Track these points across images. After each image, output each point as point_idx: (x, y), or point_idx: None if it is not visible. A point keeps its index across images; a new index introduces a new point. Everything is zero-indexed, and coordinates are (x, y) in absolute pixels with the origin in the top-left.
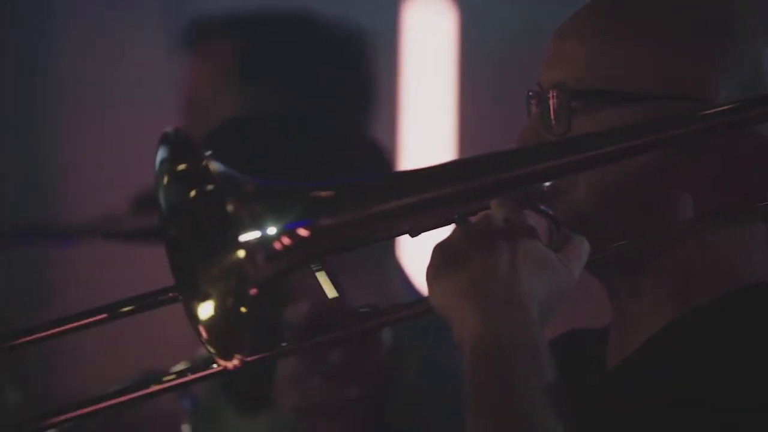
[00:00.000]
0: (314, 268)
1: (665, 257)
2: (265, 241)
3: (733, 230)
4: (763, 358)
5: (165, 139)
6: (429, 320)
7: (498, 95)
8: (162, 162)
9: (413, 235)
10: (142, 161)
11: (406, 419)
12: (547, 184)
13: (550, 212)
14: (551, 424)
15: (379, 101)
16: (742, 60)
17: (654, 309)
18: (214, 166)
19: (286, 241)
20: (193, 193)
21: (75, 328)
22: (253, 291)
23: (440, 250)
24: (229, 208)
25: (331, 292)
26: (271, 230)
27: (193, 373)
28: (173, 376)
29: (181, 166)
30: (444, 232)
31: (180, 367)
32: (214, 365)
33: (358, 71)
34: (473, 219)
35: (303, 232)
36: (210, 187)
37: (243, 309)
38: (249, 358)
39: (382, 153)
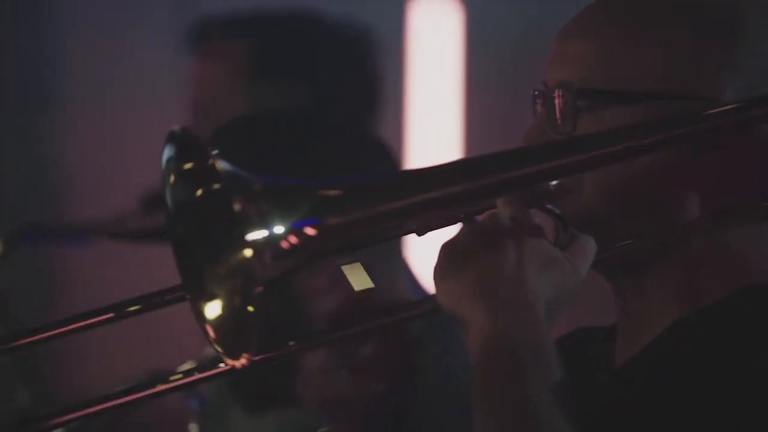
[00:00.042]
0: (349, 260)
1: (672, 256)
2: (272, 240)
3: (739, 229)
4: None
5: (172, 138)
6: (437, 319)
7: (504, 94)
8: (168, 161)
9: (420, 234)
10: (149, 161)
11: (423, 416)
12: (554, 183)
13: (557, 211)
14: (558, 423)
15: (385, 101)
16: (747, 59)
17: (660, 308)
18: (221, 164)
19: (293, 239)
20: (199, 192)
21: (82, 327)
22: (260, 290)
23: (447, 249)
24: (236, 206)
25: (366, 283)
26: (279, 229)
27: (200, 372)
28: (180, 376)
29: (188, 165)
30: (451, 231)
31: (187, 366)
32: (222, 364)
33: (365, 71)
34: (480, 218)
35: (310, 230)
36: (217, 185)
37: (250, 308)
38: (256, 358)
39: (389, 152)
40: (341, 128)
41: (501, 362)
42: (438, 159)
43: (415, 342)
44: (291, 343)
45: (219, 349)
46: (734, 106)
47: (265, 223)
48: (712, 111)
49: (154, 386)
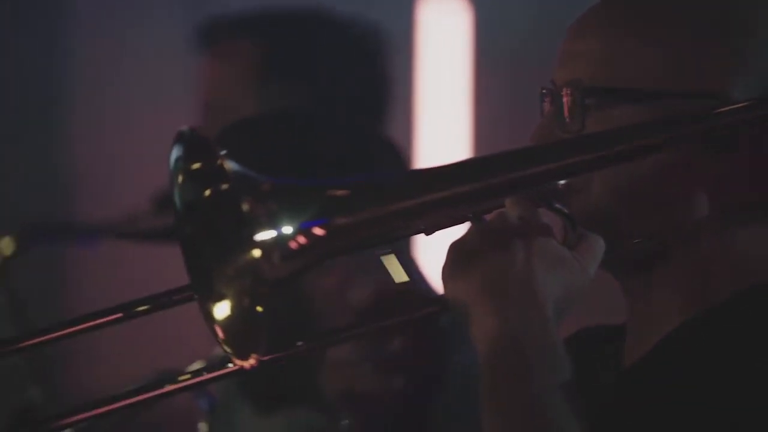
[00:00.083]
0: (384, 252)
1: (680, 256)
2: (280, 241)
3: (748, 229)
4: None
5: (180, 138)
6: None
7: (513, 94)
8: (177, 161)
9: (428, 233)
10: (159, 161)
11: (447, 413)
12: (562, 182)
13: (565, 210)
14: (566, 422)
15: (394, 100)
16: (757, 57)
17: (668, 308)
18: (229, 165)
19: (301, 240)
20: (208, 193)
21: (91, 327)
22: (269, 290)
23: (455, 248)
24: (245, 207)
25: (400, 276)
26: (287, 229)
27: (209, 372)
28: (189, 376)
29: (196, 165)
30: (459, 231)
31: (196, 366)
32: (230, 365)
33: (374, 71)
34: (488, 217)
35: (318, 231)
36: (225, 186)
37: (259, 308)
38: (265, 358)
39: (398, 151)
40: (350, 128)
41: (509, 361)
42: (447, 158)
43: (442, 338)
44: (299, 343)
45: (228, 350)
46: (743, 104)
47: (273, 224)
48: (721, 109)
49: (162, 386)
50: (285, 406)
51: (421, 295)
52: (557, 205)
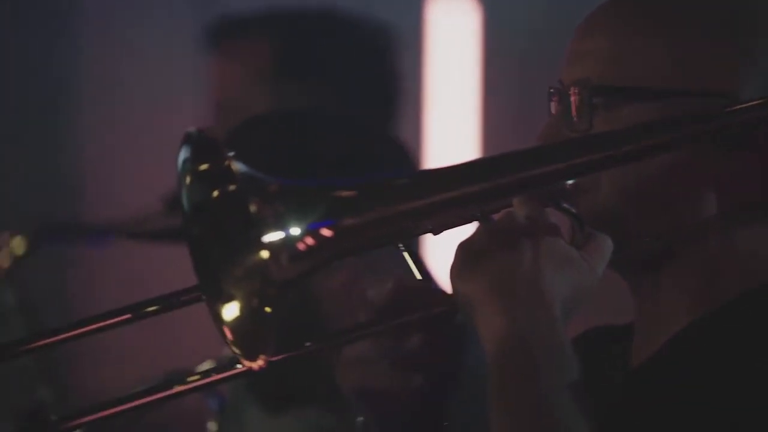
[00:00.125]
0: (400, 248)
1: (689, 255)
2: (288, 242)
3: (757, 228)
4: None
5: (188, 140)
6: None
7: (521, 92)
8: (185, 162)
9: (436, 233)
10: (169, 161)
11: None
12: (570, 181)
13: (573, 210)
14: (574, 422)
15: (403, 99)
16: (766, 56)
17: (676, 307)
18: (237, 166)
19: (309, 241)
20: (215, 194)
21: (100, 328)
22: (277, 291)
23: (463, 248)
24: (252, 208)
25: (415, 274)
26: (295, 230)
27: (217, 373)
28: (198, 377)
29: (204, 167)
30: (467, 230)
31: (205, 366)
32: (239, 365)
33: (383, 69)
34: (496, 217)
35: (326, 232)
36: (233, 187)
37: (267, 309)
38: (274, 358)
39: (407, 150)
40: (359, 127)
41: (517, 361)
42: (456, 156)
43: (457, 336)
44: (308, 343)
45: (236, 351)
46: (753, 103)
47: (281, 225)
48: (730, 108)
49: (172, 387)
50: (294, 405)
51: (436, 293)
52: (565, 205)
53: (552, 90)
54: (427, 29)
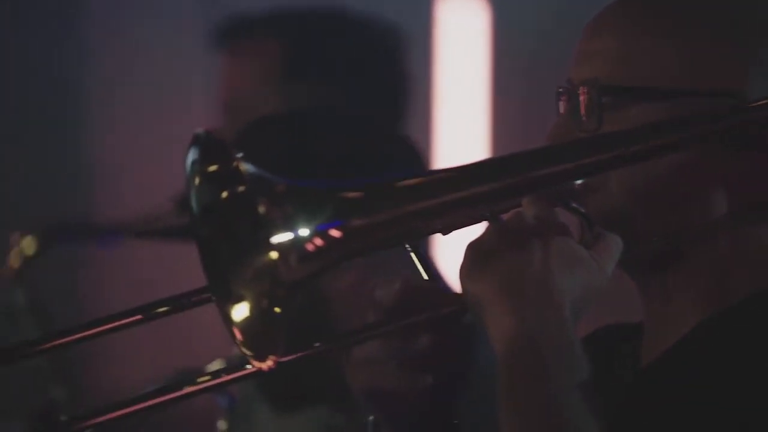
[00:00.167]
0: (407, 249)
1: (698, 255)
2: (297, 243)
3: (765, 228)
4: None
5: (196, 141)
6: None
7: (530, 93)
8: (193, 164)
9: (445, 233)
10: (179, 161)
11: (472, 412)
12: (579, 181)
13: (582, 210)
14: (584, 422)
15: (413, 99)
16: None
17: (685, 307)
18: (245, 167)
19: (318, 242)
20: (224, 195)
21: (111, 329)
22: (286, 292)
23: (473, 248)
24: (261, 209)
25: (422, 274)
26: (303, 231)
27: (227, 373)
28: (208, 377)
29: (212, 168)
30: (476, 230)
31: (215, 365)
32: (249, 366)
33: (393, 70)
34: (505, 217)
35: (335, 233)
36: (241, 188)
37: (277, 310)
38: (283, 359)
39: (416, 151)
40: (369, 127)
41: (526, 361)
42: (465, 156)
43: (466, 336)
44: (317, 344)
45: (246, 352)
46: (760, 103)
47: (289, 226)
48: (739, 108)
49: (182, 388)
50: (304, 405)
51: (444, 293)
52: (574, 205)
53: (561, 90)
54: (436, 29)
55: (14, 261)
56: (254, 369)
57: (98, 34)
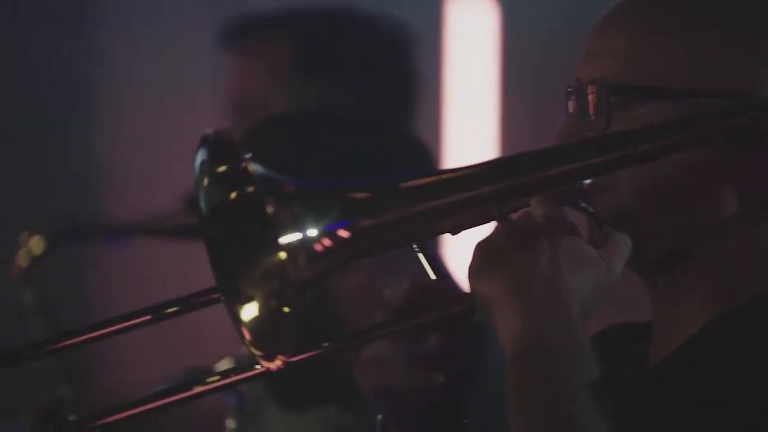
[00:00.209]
0: (414, 249)
1: (706, 254)
2: (305, 243)
3: None
4: None
5: (205, 142)
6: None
7: (540, 92)
8: (202, 164)
9: (454, 233)
10: (188, 161)
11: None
12: (588, 181)
13: (591, 209)
14: (592, 422)
15: (422, 98)
16: None
17: (694, 307)
18: (254, 167)
19: (326, 242)
20: (233, 195)
21: (120, 330)
22: (295, 292)
23: (481, 248)
24: (269, 209)
25: (430, 274)
26: (312, 232)
27: (236, 373)
28: (217, 377)
29: (221, 168)
30: (485, 230)
31: (224, 364)
32: (258, 366)
33: (402, 69)
34: (514, 216)
35: (343, 233)
36: (250, 188)
37: (286, 310)
38: (292, 359)
39: (426, 150)
40: (378, 126)
41: (534, 361)
42: (475, 155)
43: (475, 335)
44: (326, 344)
45: (255, 352)
46: None
47: (298, 226)
48: (748, 107)
49: (191, 388)
50: (313, 404)
51: (453, 292)
52: (583, 204)
53: (569, 89)
54: (446, 28)
55: (22, 261)
56: (263, 369)
57: (107, 34)
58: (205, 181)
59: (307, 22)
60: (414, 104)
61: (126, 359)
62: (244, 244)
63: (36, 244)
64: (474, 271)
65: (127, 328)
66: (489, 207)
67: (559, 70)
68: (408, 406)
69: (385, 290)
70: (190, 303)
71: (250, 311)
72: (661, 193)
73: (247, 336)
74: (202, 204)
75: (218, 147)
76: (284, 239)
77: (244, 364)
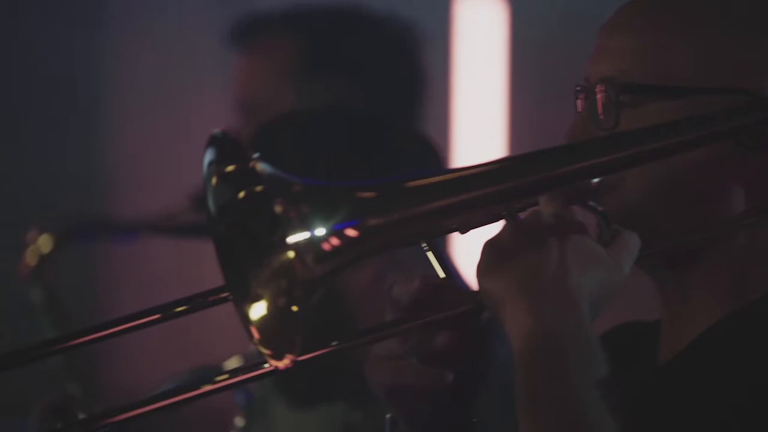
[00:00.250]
0: (423, 248)
1: (716, 252)
2: (314, 242)
3: None
4: None
5: (213, 141)
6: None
7: (548, 90)
8: (210, 164)
9: (463, 231)
10: (195, 159)
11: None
12: (596, 179)
13: (599, 208)
14: (602, 419)
15: (430, 96)
16: None
17: (704, 305)
18: (262, 167)
19: (334, 241)
20: (241, 195)
21: (129, 329)
22: (303, 291)
23: (490, 246)
24: (277, 209)
25: (439, 272)
26: (320, 231)
27: (245, 372)
28: (225, 376)
29: (229, 168)
30: (493, 229)
31: (233, 362)
32: (266, 364)
33: (410, 66)
34: (522, 215)
35: (351, 232)
36: (258, 188)
37: (294, 309)
38: (300, 358)
39: (434, 149)
40: (386, 125)
41: (543, 359)
42: (483, 154)
43: (485, 333)
44: (334, 342)
45: (264, 351)
46: None
47: (306, 225)
48: (756, 105)
49: (199, 386)
50: (322, 401)
51: (462, 291)
52: (591, 203)
53: (578, 88)
54: (454, 26)
55: (31, 259)
56: (271, 368)
57: (115, 32)
58: (214, 181)
59: (314, 21)
60: (422, 103)
61: (135, 357)
62: (253, 244)
63: (44, 242)
64: (482, 270)
65: (136, 327)
66: (497, 206)
67: (567, 69)
68: (417, 404)
69: (394, 288)
70: (199, 302)
71: (258, 310)
72: (669, 191)
73: (256, 335)
74: (211, 203)
75: (226, 146)
76: (292, 238)
77: (253, 362)
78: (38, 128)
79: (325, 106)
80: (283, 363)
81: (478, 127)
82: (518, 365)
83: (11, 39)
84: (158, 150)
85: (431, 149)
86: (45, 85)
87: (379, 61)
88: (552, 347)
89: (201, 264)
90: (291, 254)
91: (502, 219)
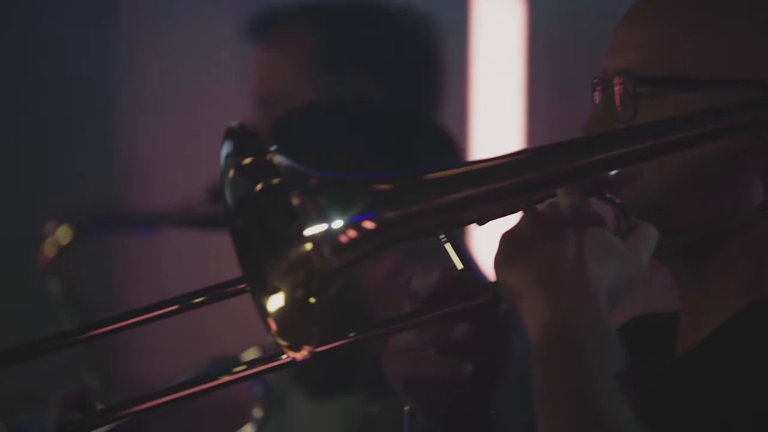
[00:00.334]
0: (441, 239)
1: (734, 244)
2: (331, 235)
3: None
4: None
5: (230, 134)
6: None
7: (566, 82)
8: (227, 156)
9: (481, 223)
10: (214, 151)
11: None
12: (614, 171)
13: (617, 200)
14: (619, 410)
15: (448, 89)
16: None
17: (722, 296)
18: (279, 159)
19: (352, 233)
20: (258, 188)
21: (147, 320)
22: (320, 283)
23: (508, 238)
24: (294, 201)
25: (457, 264)
26: (337, 223)
27: (263, 363)
28: (243, 367)
29: (246, 161)
30: (511, 220)
31: (250, 353)
32: (284, 356)
33: (427, 60)
34: (540, 207)
35: (369, 224)
36: (275, 180)
37: (312, 300)
38: (318, 349)
39: (452, 142)
40: (405, 117)
41: (561, 351)
42: (501, 147)
43: (503, 325)
44: (352, 333)
45: (281, 342)
46: None
47: (323, 218)
48: None
49: (217, 377)
50: (340, 393)
51: (480, 282)
52: (609, 195)
53: (596, 80)
54: (472, 19)
55: (49, 251)
56: (289, 359)
57: (132, 25)
58: (231, 173)
59: (332, 14)
60: (439, 96)
61: (153, 348)
62: (270, 236)
63: (63, 234)
64: (500, 262)
65: (155, 318)
66: (515, 198)
67: (585, 61)
68: (435, 396)
69: (413, 281)
70: (217, 293)
71: (276, 302)
72: (687, 183)
73: (273, 326)
74: (228, 195)
75: (243, 139)
76: (309, 231)
77: (271, 353)
78: (57, 121)
79: (343, 99)
80: (301, 354)
81: (496, 120)
82: (536, 357)
83: (28, 33)
84: (176, 143)
85: (449, 141)
86: (62, 78)
87: (397, 54)
88: (570, 339)
89: (219, 256)
90: (308, 246)
91: (519, 211)
